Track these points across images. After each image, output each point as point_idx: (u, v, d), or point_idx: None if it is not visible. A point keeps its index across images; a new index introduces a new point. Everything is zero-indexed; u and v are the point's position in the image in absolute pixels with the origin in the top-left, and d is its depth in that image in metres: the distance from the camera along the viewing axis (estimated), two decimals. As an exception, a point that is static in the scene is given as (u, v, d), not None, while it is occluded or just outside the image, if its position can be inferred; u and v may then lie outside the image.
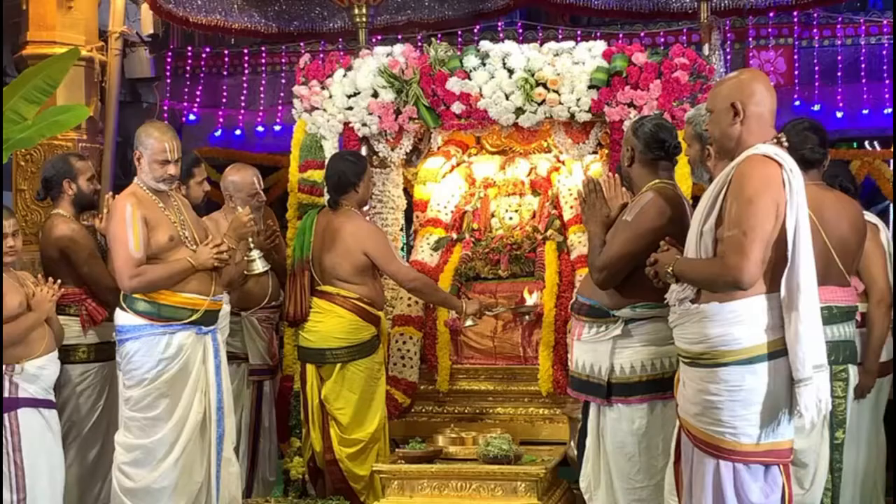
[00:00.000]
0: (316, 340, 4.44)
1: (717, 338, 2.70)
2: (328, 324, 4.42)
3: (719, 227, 2.70)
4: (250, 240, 4.15)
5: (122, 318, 3.83)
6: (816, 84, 6.46)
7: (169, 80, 7.48)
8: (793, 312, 2.63)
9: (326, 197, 4.68)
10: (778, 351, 2.67)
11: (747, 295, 2.67)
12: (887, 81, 6.39)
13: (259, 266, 4.19)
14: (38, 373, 3.74)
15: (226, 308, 4.08)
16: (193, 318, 3.81)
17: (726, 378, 2.68)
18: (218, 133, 7.56)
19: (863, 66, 6.46)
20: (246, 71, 7.45)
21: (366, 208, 5.07)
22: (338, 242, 4.41)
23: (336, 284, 4.43)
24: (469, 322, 4.63)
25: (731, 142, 2.76)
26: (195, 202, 4.45)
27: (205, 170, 4.73)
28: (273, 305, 4.79)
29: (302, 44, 7.02)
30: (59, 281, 3.92)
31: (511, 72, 4.67)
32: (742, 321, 2.68)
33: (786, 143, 2.75)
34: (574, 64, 4.61)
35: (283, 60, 7.34)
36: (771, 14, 6.57)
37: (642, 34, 6.60)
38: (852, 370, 3.48)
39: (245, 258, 4.20)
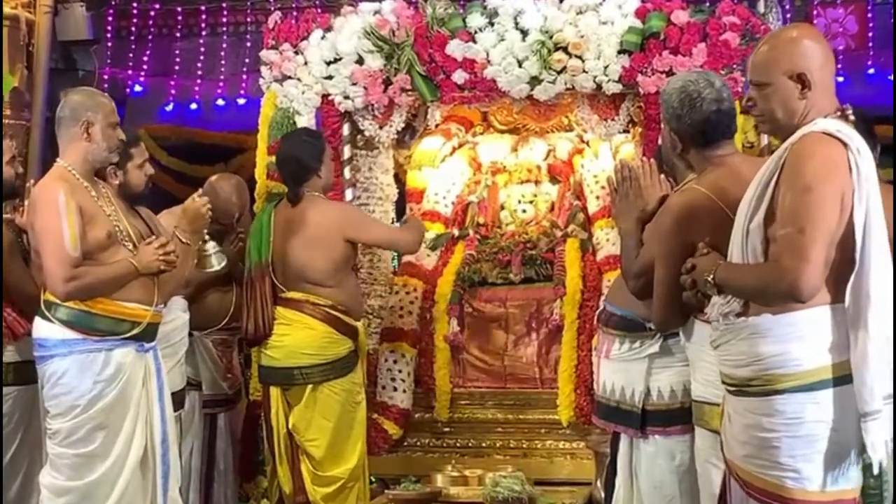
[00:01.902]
0: (281, 358, 4.42)
1: (772, 358, 2.66)
2: (296, 337, 4.40)
3: (771, 223, 2.67)
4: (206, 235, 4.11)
5: (45, 329, 3.78)
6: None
7: (110, 44, 7.48)
8: (860, 329, 2.57)
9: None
10: (847, 376, 2.64)
11: (809, 305, 2.63)
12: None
13: (214, 262, 4.13)
14: None
15: (183, 318, 4.05)
16: (135, 331, 3.79)
17: (783, 409, 2.63)
18: (169, 107, 7.56)
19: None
20: (203, 32, 7.46)
21: (349, 199, 5.07)
22: (307, 236, 4.39)
23: (305, 289, 4.41)
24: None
25: (796, 119, 2.72)
26: (135, 190, 4.38)
27: (145, 150, 4.69)
28: (233, 326, 4.78)
29: (271, -1, 7.05)
30: None
31: (525, 33, 4.67)
32: (803, 337, 2.63)
33: (852, 116, 2.71)
34: (601, 24, 4.60)
35: (249, 20, 7.36)
36: (840, -38, 6.60)
37: (683, -13, 6.60)
38: None
39: (199, 252, 4.13)
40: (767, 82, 2.75)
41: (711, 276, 2.74)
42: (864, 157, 2.61)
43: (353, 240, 4.44)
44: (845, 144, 2.60)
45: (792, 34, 2.75)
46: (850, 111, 2.71)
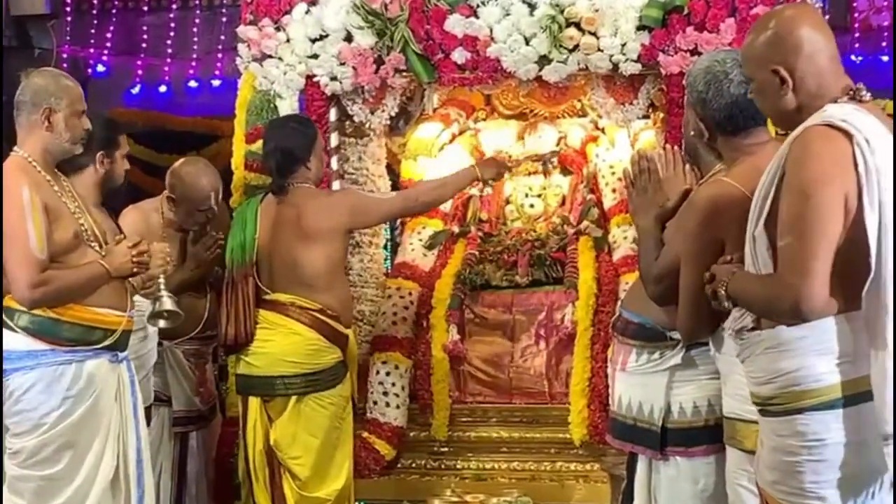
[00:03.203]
0: (263, 366, 4.44)
1: (791, 374, 2.67)
2: (279, 343, 4.42)
3: (774, 230, 2.67)
4: (161, 279, 4.12)
5: (8, 340, 3.79)
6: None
7: (70, 19, 7.48)
8: (878, 344, 2.55)
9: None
10: (872, 391, 2.66)
11: (825, 314, 2.65)
12: None
13: (168, 304, 4.15)
14: None
15: (152, 327, 4.05)
16: (108, 341, 3.80)
17: (803, 429, 2.64)
18: (136, 89, 7.56)
19: None
20: (173, 6, 7.46)
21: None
22: (302, 231, 4.40)
23: (292, 291, 4.43)
24: (488, 190, 4.77)
25: (790, 115, 2.73)
26: (118, 182, 4.43)
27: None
28: (207, 335, 4.79)
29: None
30: None
31: (532, 7, 4.68)
32: (822, 350, 2.64)
33: (866, 96, 2.70)
34: (618, -3, 4.63)
35: (224, -8, 7.36)
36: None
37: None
38: None
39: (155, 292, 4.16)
40: (751, 77, 2.79)
41: (724, 288, 2.77)
42: (873, 148, 2.57)
43: (363, 224, 4.57)
44: (850, 136, 2.57)
45: (769, 24, 2.74)
46: (863, 91, 2.69)
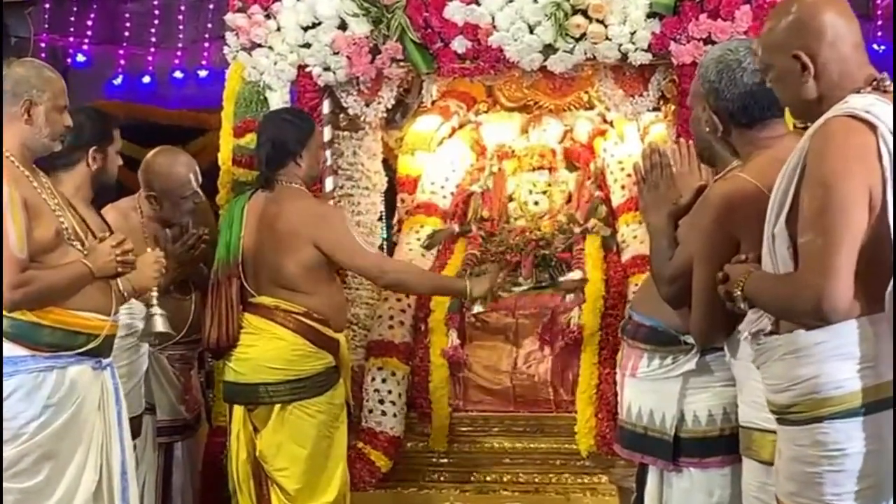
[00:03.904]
0: (246, 372, 4.43)
1: (810, 381, 2.67)
2: (262, 348, 4.41)
3: (795, 226, 2.67)
4: (155, 292, 4.12)
5: None
6: None
7: (48, 6, 7.48)
8: None
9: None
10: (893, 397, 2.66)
11: (846, 316, 2.66)
12: None
13: (160, 325, 4.16)
14: None
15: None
16: (91, 345, 3.81)
17: (823, 438, 2.64)
18: (118, 80, 7.56)
19: None
20: (158, -8, 7.46)
21: (329, 188, 5.08)
22: (277, 233, 4.40)
23: (276, 294, 4.43)
24: (478, 307, 4.67)
25: (810, 104, 2.74)
26: (111, 180, 4.44)
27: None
28: (193, 339, 4.79)
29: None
30: None
31: (537, -7, 4.69)
32: (843, 354, 2.64)
33: (890, 86, 2.71)
34: (627, -18, 4.63)
35: (211, -23, 7.36)
36: None
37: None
38: None
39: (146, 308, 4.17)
40: (769, 63, 2.79)
41: (740, 289, 2.77)
42: None
43: (324, 252, 4.38)
44: (874, 128, 2.58)
45: (790, 7, 2.75)
46: (887, 81, 2.70)
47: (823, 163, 2.57)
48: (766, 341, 2.76)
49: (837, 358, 2.63)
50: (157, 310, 4.07)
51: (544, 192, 5.52)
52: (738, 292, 2.78)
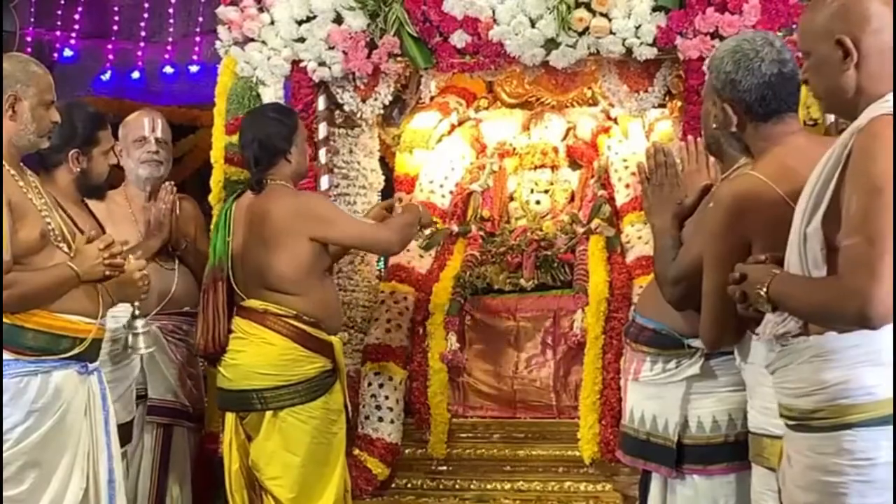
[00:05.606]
0: (236, 379, 4.43)
1: (838, 386, 2.66)
2: (251, 354, 4.41)
3: (833, 227, 2.66)
4: (136, 304, 4.14)
5: None
6: None
7: (34, -1, 7.49)
8: None
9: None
10: None
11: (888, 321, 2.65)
12: None
13: (141, 345, 4.18)
14: None
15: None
16: (76, 350, 3.81)
17: (851, 447, 2.63)
18: (106, 76, 7.57)
19: None
20: (148, -15, 7.47)
21: (325, 187, 5.09)
22: (266, 233, 4.41)
23: (265, 297, 4.42)
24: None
25: (847, 95, 2.72)
26: (97, 181, 4.46)
27: (111, 134, 4.74)
28: (189, 312, 4.80)
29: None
30: None
31: (539, -14, 4.70)
32: (874, 360, 2.62)
33: None
34: (631, -25, 4.64)
35: (203, -31, 7.37)
36: None
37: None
38: None
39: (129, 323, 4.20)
40: (808, 51, 2.77)
41: (765, 290, 2.75)
42: None
43: (320, 239, 4.41)
44: None
45: None
46: None
47: (873, 164, 2.54)
48: (792, 343, 2.74)
49: (868, 363, 2.62)
50: (140, 327, 4.10)
51: (546, 191, 5.53)
52: (763, 293, 2.74)
